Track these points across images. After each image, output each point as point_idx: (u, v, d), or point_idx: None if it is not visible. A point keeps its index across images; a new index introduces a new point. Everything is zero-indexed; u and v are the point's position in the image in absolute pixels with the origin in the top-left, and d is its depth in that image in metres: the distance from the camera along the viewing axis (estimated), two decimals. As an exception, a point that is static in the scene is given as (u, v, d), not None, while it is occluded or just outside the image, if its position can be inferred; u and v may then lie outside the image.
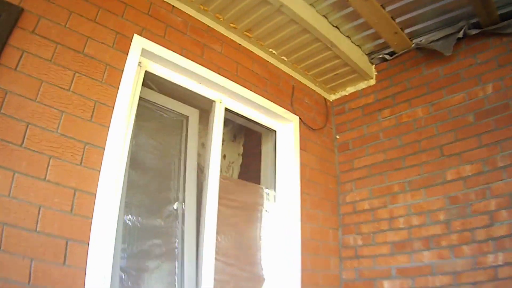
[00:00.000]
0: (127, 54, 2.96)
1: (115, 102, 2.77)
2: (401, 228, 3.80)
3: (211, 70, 3.49)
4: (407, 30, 4.02)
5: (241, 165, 4.69)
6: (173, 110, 3.52)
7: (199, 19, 3.61)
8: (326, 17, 3.86)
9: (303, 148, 4.17)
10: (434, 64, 4.07)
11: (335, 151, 4.58)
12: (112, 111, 2.74)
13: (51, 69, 2.52)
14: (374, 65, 4.50)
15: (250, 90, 3.80)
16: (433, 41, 4.00)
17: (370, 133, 4.33)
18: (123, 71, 2.89)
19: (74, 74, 2.63)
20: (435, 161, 3.78)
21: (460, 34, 3.80)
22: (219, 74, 3.55)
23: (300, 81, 4.43)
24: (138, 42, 3.04)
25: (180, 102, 3.57)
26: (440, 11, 3.78)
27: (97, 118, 2.66)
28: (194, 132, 3.59)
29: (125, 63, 2.92)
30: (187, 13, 3.52)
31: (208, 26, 3.67)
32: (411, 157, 3.96)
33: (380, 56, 4.40)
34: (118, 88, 2.82)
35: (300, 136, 4.19)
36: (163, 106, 3.45)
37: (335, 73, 4.40)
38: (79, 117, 2.57)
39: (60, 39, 2.63)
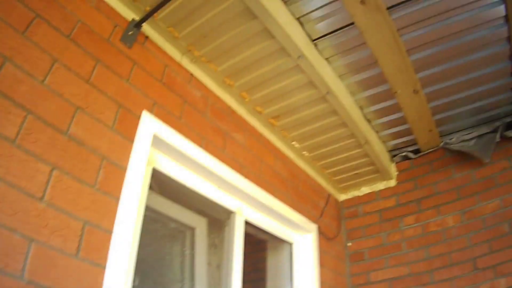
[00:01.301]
0: (133, 142, 1.64)
1: (113, 226, 1.41)
2: None
3: (233, 169, 2.21)
4: (439, 128, 3.04)
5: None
6: (176, 219, 2.14)
7: (221, 96, 2.37)
8: (361, 109, 2.80)
9: (322, 263, 2.89)
10: (465, 167, 3.07)
11: (346, 260, 3.31)
12: (110, 240, 1.38)
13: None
14: (394, 164, 3.43)
15: (273, 196, 2.51)
16: (464, 140, 3.06)
17: (391, 242, 3.15)
18: (126, 170, 1.56)
19: (51, 171, 1.28)
20: (468, 276, 2.77)
21: (497, 138, 2.90)
22: (242, 175, 2.27)
23: (314, 180, 3.22)
24: (149, 124, 1.73)
25: (185, 208, 2.21)
26: (476, 110, 2.88)
27: (85, 252, 1.29)
28: (203, 246, 2.22)
29: (129, 156, 1.60)
30: (207, 87, 2.28)
31: (229, 107, 2.44)
32: (440, 271, 2.87)
33: (404, 154, 3.34)
34: (118, 200, 1.47)
35: (320, 248, 2.93)
36: (163, 213, 2.06)
37: (355, 172, 3.25)
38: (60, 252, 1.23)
39: (33, 106, 1.31)
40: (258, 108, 2.56)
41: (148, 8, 1.92)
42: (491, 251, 2.78)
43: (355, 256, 3.30)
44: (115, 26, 1.79)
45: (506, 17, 2.16)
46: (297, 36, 2.11)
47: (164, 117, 1.86)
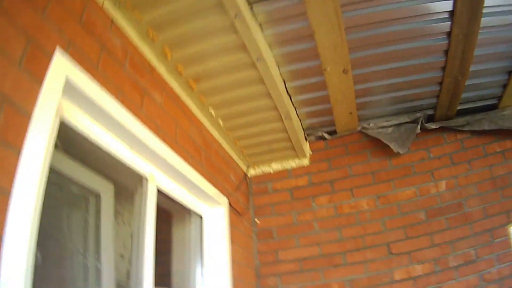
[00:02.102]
0: (42, 85, 1.35)
1: (12, 186, 1.14)
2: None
3: (150, 129, 1.99)
4: (360, 112, 3.11)
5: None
6: (79, 183, 1.85)
7: (142, 49, 2.09)
8: (285, 82, 2.74)
9: (233, 239, 2.81)
10: (381, 153, 3.23)
11: (254, 237, 3.28)
12: (7, 204, 1.11)
13: None
14: (308, 143, 3.44)
15: (188, 163, 2.33)
16: (382, 127, 3.20)
17: (302, 222, 3.21)
18: (31, 117, 1.28)
19: None
20: (382, 260, 2.95)
21: (418, 129, 3.09)
22: (159, 137, 2.05)
23: (226, 151, 3.09)
24: (61, 65, 1.43)
25: (89, 171, 1.91)
26: (400, 99, 3.02)
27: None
28: (109, 215, 1.97)
29: (35, 101, 1.31)
30: (128, 36, 1.99)
31: (150, 62, 2.18)
32: (353, 254, 3.03)
33: (319, 134, 3.38)
34: (19, 153, 1.20)
35: (230, 224, 2.84)
36: (65, 174, 1.76)
37: (269, 147, 3.20)
38: None
39: None
40: (180, 68, 2.32)
41: None
42: (406, 237, 2.97)
43: (263, 233, 3.28)
44: None
45: (451, 12, 2.23)
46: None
47: (80, 60, 1.56)
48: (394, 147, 3.07)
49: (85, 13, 1.69)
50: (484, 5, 2.14)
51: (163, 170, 2.19)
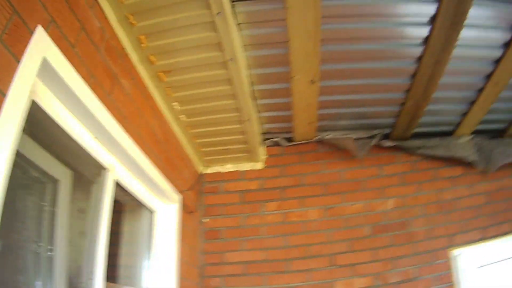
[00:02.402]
0: (19, 62, 1.26)
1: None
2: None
3: (116, 119, 1.89)
4: (319, 123, 3.18)
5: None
6: (39, 167, 1.73)
7: (118, 34, 2.00)
8: (252, 85, 2.74)
9: (182, 237, 2.76)
10: (335, 165, 3.33)
11: (201, 236, 3.24)
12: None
13: None
14: (264, 147, 3.44)
15: (148, 157, 2.25)
16: (340, 139, 3.31)
17: (249, 225, 3.22)
18: (5, 96, 1.18)
19: None
20: (325, 270, 3.05)
21: (373, 142, 3.22)
22: (123, 127, 1.96)
23: (183, 147, 3.03)
24: (41, 44, 1.34)
25: (50, 155, 1.80)
26: (360, 115, 3.13)
27: None
28: (66, 203, 1.86)
29: (12, 79, 1.22)
30: (107, 18, 1.90)
31: (124, 48, 2.09)
32: (298, 261, 3.09)
33: (276, 139, 3.40)
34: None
35: (181, 221, 2.79)
36: (26, 156, 1.63)
37: (225, 147, 3.18)
38: None
39: None
40: (152, 58, 2.24)
41: None
42: (350, 250, 3.06)
43: (211, 233, 3.26)
44: None
45: (425, 39, 2.34)
46: (224, -10, 1.92)
47: (58, 40, 1.45)
48: (352, 148, 3.18)
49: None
50: (459, 36, 2.28)
51: (123, 162, 2.10)
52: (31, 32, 1.31)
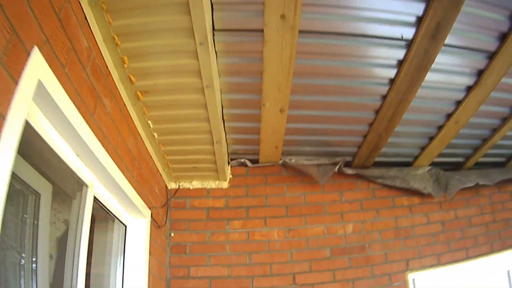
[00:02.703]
0: (18, 84, 1.31)
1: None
2: None
3: (98, 138, 1.94)
4: (285, 147, 3.31)
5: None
6: (22, 179, 1.74)
7: (103, 53, 2.06)
8: (222, 107, 2.84)
9: (151, 251, 2.80)
10: (298, 188, 3.47)
11: (168, 250, 3.29)
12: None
13: None
14: (230, 167, 3.56)
15: (123, 174, 2.30)
16: (303, 164, 3.46)
17: (215, 242, 3.30)
18: (4, 119, 1.22)
19: None
20: None
21: (335, 169, 3.39)
22: (103, 146, 2.01)
23: (154, 163, 3.08)
24: (37, 65, 1.39)
25: (34, 170, 1.82)
26: (324, 143, 3.30)
27: None
28: (46, 215, 1.87)
29: (10, 102, 1.26)
30: (95, 38, 1.96)
31: (107, 67, 2.14)
32: (260, 279, 3.20)
33: (242, 160, 3.52)
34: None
35: (150, 235, 2.84)
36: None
37: (195, 165, 3.26)
38: None
39: None
40: (132, 78, 2.32)
41: None
42: (311, 270, 3.20)
43: (177, 248, 3.31)
44: None
45: (392, 80, 2.53)
46: (208, 20, 2.02)
47: (51, 61, 1.51)
48: (314, 175, 3.33)
49: (64, 7, 1.64)
50: (424, 79, 2.49)
51: (101, 179, 2.16)
52: (27, 53, 1.36)
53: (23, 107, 1.31)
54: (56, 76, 1.54)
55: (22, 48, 1.33)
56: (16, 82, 1.29)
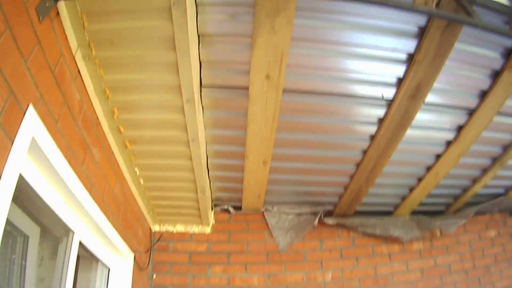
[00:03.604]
0: (13, 143, 1.35)
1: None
2: None
3: (86, 188, 1.97)
4: (267, 196, 3.37)
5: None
6: (12, 221, 1.75)
7: (94, 104, 2.12)
8: (207, 157, 2.88)
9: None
10: (278, 236, 3.50)
11: (149, 293, 3.24)
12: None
13: None
14: (213, 212, 3.56)
15: (108, 220, 2.31)
16: (284, 213, 3.50)
17: (196, 285, 3.26)
18: (0, 176, 1.27)
19: None
20: None
21: (315, 223, 3.44)
22: (91, 195, 2.04)
23: (139, 207, 3.08)
24: (31, 124, 1.45)
25: (23, 213, 1.84)
26: (305, 193, 3.37)
27: None
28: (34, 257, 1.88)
29: (5, 161, 1.30)
30: (87, 90, 2.02)
31: (97, 118, 2.20)
32: None
33: (225, 207, 3.54)
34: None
35: (133, 278, 2.82)
36: None
37: (179, 210, 3.27)
38: None
39: None
40: (121, 128, 2.37)
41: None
42: None
43: (159, 290, 3.26)
44: (37, -13, 1.46)
45: (372, 136, 2.62)
46: (196, 78, 2.10)
47: (45, 117, 1.56)
48: (279, 243, 3.40)
49: (59, 63, 1.71)
50: (404, 135, 2.58)
51: (87, 225, 2.19)
52: (23, 112, 1.41)
53: (17, 164, 1.35)
54: (49, 132, 1.59)
55: (18, 107, 1.38)
56: (12, 141, 1.33)
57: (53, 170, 1.65)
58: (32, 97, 1.48)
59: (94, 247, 2.38)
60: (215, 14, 1.95)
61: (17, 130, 1.37)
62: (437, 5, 1.85)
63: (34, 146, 1.48)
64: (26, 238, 1.83)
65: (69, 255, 1.99)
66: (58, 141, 1.67)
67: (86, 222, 2.15)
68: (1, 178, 1.25)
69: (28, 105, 1.45)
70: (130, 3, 1.71)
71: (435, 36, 2.01)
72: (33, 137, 1.45)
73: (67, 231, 2.03)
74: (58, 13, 1.68)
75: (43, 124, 1.54)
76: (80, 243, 2.16)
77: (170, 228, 3.50)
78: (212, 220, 3.52)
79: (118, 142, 2.46)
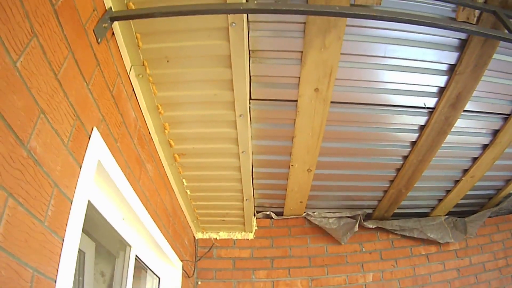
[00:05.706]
0: (81, 168, 1.30)
1: (57, 273, 1.08)
2: None
3: (142, 203, 1.92)
4: (309, 201, 3.26)
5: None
6: None
7: (147, 121, 2.08)
8: (252, 166, 2.80)
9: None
10: (320, 240, 3.40)
11: (195, 299, 3.18)
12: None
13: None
14: (255, 219, 3.49)
15: (161, 232, 2.26)
16: (325, 217, 3.40)
17: (241, 291, 3.20)
18: (72, 202, 1.21)
19: (7, 200, 0.90)
20: None
21: (356, 228, 3.33)
22: (146, 209, 1.99)
23: (185, 217, 3.04)
24: (96, 147, 1.39)
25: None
26: (345, 197, 3.26)
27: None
28: (90, 273, 1.84)
29: (75, 186, 1.25)
30: (141, 108, 1.98)
31: (149, 134, 2.15)
32: None
33: (267, 213, 3.47)
34: (63, 241, 1.13)
35: (182, 286, 2.76)
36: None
37: (223, 218, 3.21)
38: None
39: None
40: (172, 142, 2.32)
41: (131, 3, 1.57)
42: None
43: (204, 297, 3.20)
44: (94, 10, 1.40)
45: (413, 142, 2.54)
46: (246, 93, 2.02)
47: (107, 139, 1.51)
48: (336, 235, 3.29)
49: (117, 83, 1.65)
50: (444, 141, 2.50)
51: (142, 238, 2.13)
52: (88, 135, 1.36)
53: (86, 189, 1.30)
54: (111, 152, 1.54)
55: (84, 131, 1.33)
56: (80, 166, 1.28)
57: (115, 189, 1.60)
58: (95, 120, 1.43)
59: (147, 259, 2.34)
60: (266, 31, 1.89)
61: (84, 154, 1.32)
62: (478, 19, 1.85)
63: (100, 170, 1.43)
64: (82, 254, 1.78)
65: (127, 269, 1.94)
66: (118, 160, 1.62)
67: (142, 235, 2.10)
68: (72, 204, 1.20)
69: (93, 129, 1.39)
70: (189, 24, 1.65)
71: (476, 48, 1.99)
72: (99, 160, 1.40)
73: (123, 246, 1.98)
74: (113, 34, 1.64)
75: (106, 145, 1.50)
76: (137, 258, 2.12)
77: (213, 235, 3.43)
78: (254, 226, 3.44)
79: (168, 155, 2.41)
